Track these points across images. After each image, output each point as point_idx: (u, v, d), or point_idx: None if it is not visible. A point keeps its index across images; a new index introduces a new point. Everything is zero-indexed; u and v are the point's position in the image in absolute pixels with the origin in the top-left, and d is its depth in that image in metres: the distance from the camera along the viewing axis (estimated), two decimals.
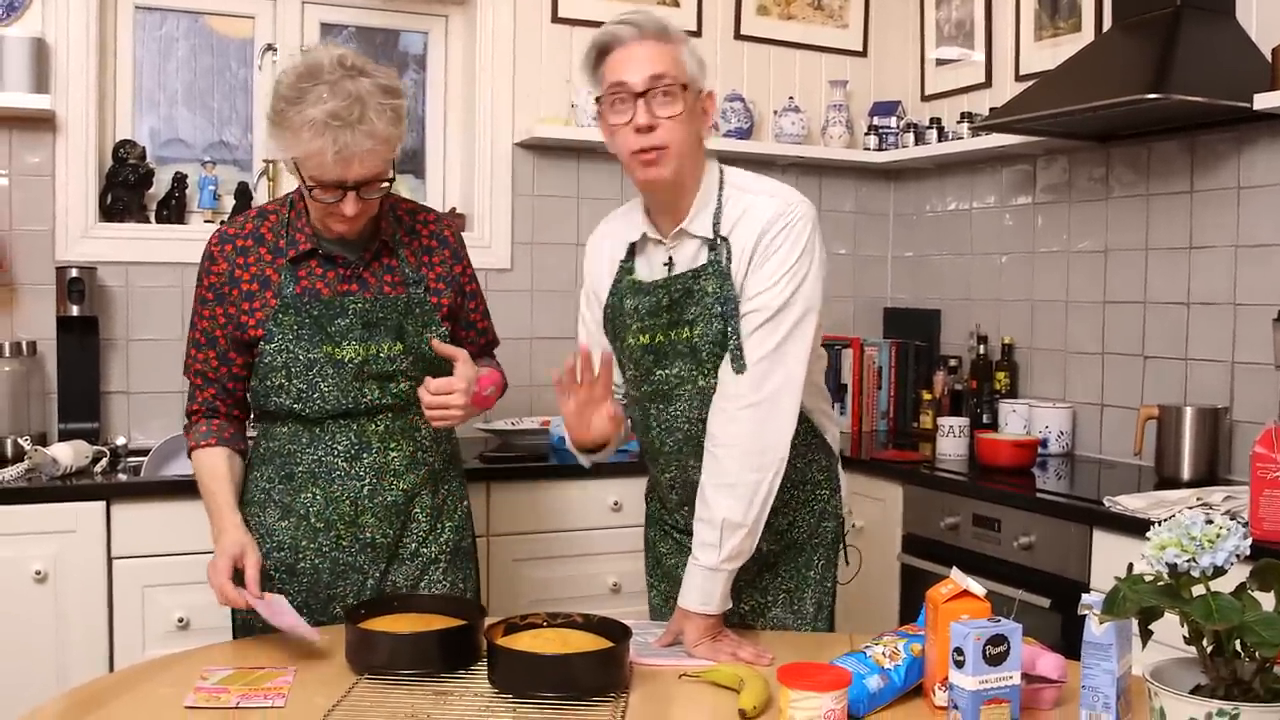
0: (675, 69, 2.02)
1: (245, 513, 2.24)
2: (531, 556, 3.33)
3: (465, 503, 2.40)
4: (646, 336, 2.13)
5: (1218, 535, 1.37)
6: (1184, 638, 1.41)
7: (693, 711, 1.72)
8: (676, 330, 2.10)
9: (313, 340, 2.17)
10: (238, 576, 2.08)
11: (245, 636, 2.22)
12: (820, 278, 2.07)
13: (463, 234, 2.64)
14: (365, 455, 2.22)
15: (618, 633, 1.83)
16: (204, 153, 3.81)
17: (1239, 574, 1.42)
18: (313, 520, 2.22)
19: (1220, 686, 1.39)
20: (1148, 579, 1.42)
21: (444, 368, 2.26)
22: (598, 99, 2.09)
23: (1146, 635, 1.43)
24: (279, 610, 2.00)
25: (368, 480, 2.23)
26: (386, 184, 2.12)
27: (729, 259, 2.06)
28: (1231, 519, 1.42)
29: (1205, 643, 1.39)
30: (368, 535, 2.24)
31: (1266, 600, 1.37)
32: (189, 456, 2.29)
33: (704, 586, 2.01)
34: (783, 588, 2.26)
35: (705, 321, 2.06)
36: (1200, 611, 1.33)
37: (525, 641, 1.81)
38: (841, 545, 2.33)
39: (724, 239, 2.07)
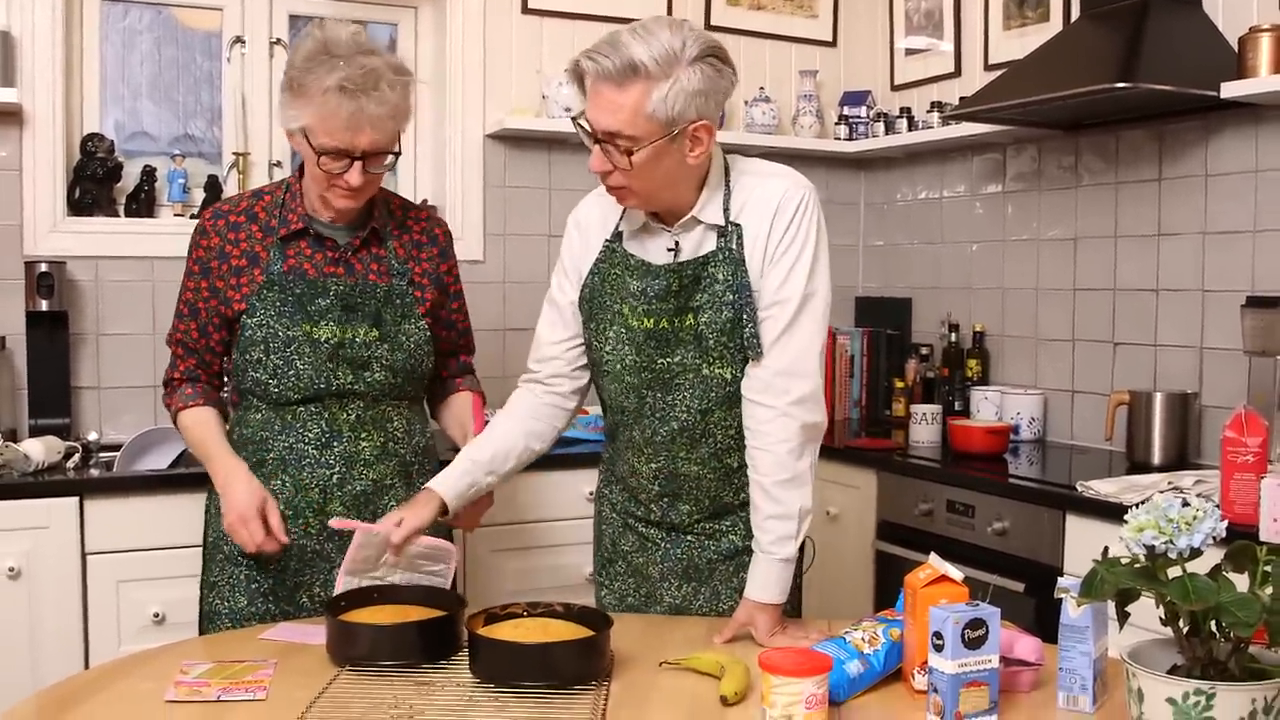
0: (631, 123, 1.91)
1: (216, 498, 2.27)
2: (508, 547, 3.33)
3: None
4: (651, 321, 2.09)
5: (1194, 517, 1.39)
6: (1160, 619, 1.43)
7: (674, 698, 1.73)
8: (682, 317, 2.07)
9: (293, 318, 2.20)
10: None
11: (211, 629, 2.25)
12: (827, 261, 2.14)
13: None
14: (336, 443, 2.24)
15: (599, 622, 1.84)
16: (169, 146, 3.78)
17: (1212, 557, 1.45)
18: (282, 508, 2.21)
19: (1196, 666, 1.41)
20: (1124, 562, 1.44)
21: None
22: (574, 118, 2.04)
23: (1124, 617, 1.45)
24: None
25: (337, 469, 2.24)
26: (392, 158, 2.18)
27: (740, 244, 2.05)
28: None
29: (1181, 623, 1.42)
30: None
31: (1240, 581, 1.40)
32: (174, 419, 2.33)
33: (781, 578, 2.04)
34: None
35: (714, 309, 2.05)
36: (1178, 592, 1.35)
37: (506, 631, 1.81)
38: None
39: (735, 225, 2.06)
